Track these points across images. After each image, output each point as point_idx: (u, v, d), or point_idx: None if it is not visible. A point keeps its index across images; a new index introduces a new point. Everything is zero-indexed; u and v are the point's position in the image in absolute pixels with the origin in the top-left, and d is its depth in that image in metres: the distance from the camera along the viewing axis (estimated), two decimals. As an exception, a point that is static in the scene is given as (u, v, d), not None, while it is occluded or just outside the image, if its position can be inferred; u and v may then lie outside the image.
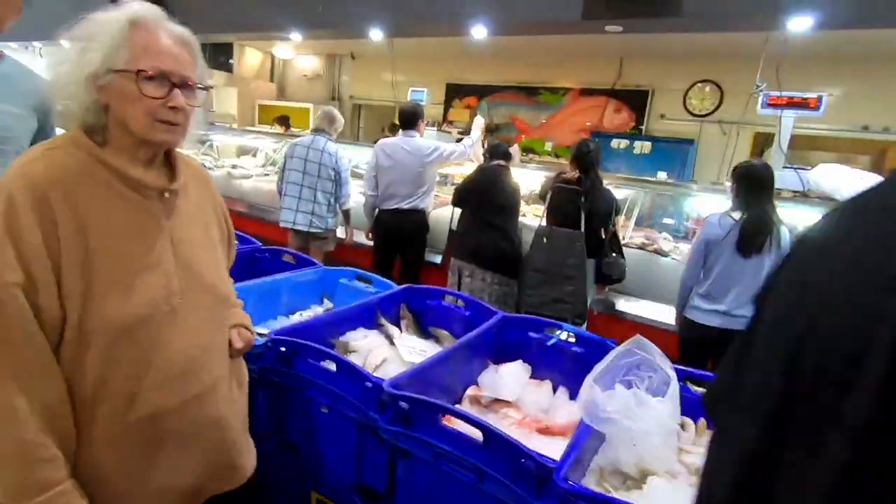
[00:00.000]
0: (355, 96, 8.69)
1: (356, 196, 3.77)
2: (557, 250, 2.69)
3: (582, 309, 2.67)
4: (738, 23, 2.61)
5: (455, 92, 7.50)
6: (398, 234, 3.45)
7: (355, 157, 4.65)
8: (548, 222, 2.78)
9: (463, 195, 3.07)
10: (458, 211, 3.21)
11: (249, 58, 9.06)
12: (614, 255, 2.75)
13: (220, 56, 8.47)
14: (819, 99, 3.05)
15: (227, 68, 8.71)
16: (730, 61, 5.57)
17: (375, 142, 8.09)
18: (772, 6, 2.50)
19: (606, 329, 2.82)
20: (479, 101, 7.30)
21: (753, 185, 2.27)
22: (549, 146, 6.79)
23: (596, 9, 2.86)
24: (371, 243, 3.68)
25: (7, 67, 1.39)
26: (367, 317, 1.86)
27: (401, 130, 3.46)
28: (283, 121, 7.18)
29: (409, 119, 3.42)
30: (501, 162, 3.02)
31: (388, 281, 2.12)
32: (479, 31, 3.38)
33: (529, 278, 2.71)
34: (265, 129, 6.88)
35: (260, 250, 2.43)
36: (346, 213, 3.75)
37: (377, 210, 3.52)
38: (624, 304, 2.93)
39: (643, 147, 5.57)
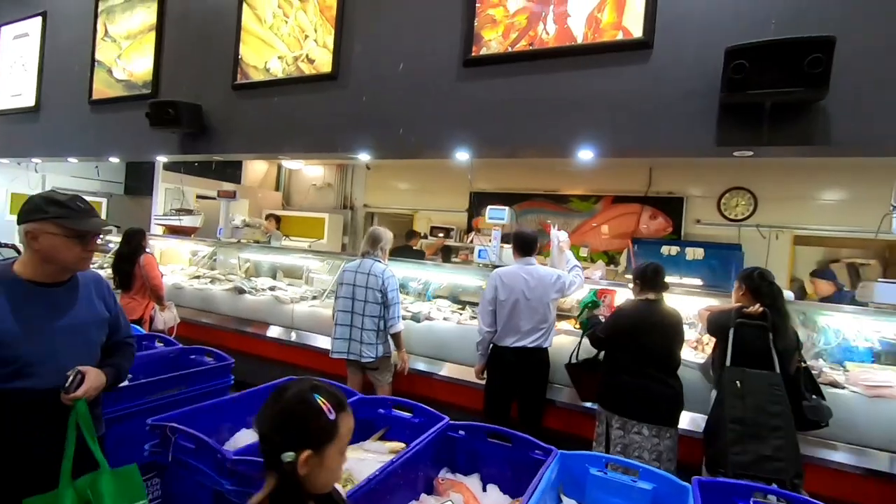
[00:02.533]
0: (370, 205, 8.55)
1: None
2: (755, 396, 2.37)
3: (799, 466, 2.30)
4: (892, 148, 2.60)
5: (481, 200, 7.48)
6: (520, 374, 3.05)
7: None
8: (733, 363, 2.48)
9: (615, 335, 2.75)
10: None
11: (255, 167, 8.88)
12: (814, 396, 2.45)
13: (227, 167, 8.23)
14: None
15: (236, 179, 8.46)
16: (761, 169, 5.87)
17: (399, 250, 7.64)
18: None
19: (821, 484, 2.44)
20: (508, 209, 7.27)
21: None
22: (584, 252, 6.73)
23: (733, 137, 2.84)
24: (476, 381, 3.27)
25: None
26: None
27: (518, 257, 3.19)
28: (273, 217, 6.83)
29: (530, 245, 3.18)
30: (652, 296, 2.75)
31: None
32: (586, 154, 3.28)
33: (731, 432, 2.34)
34: (296, 244, 6.51)
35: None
36: (397, 338, 3.39)
37: (491, 346, 3.14)
38: (827, 453, 2.59)
39: (695, 253, 5.57)
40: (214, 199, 7.65)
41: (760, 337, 2.46)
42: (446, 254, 7.49)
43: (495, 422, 2.35)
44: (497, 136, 3.56)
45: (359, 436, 1.95)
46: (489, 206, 4.34)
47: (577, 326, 3.45)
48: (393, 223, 9.17)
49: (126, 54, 5.57)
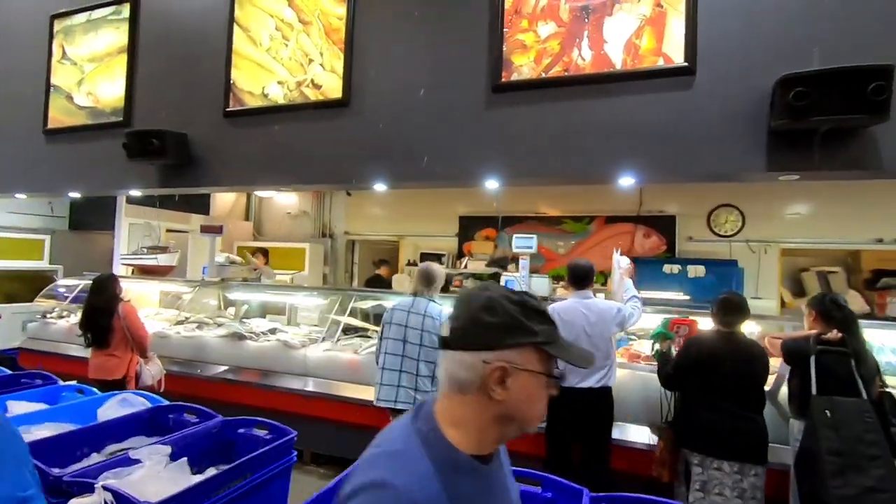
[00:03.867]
0: (351, 232, 8.20)
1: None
2: (849, 426, 2.31)
3: (903, 497, 2.25)
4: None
5: (470, 224, 7.35)
6: (584, 416, 2.88)
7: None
8: (818, 391, 2.42)
9: (690, 369, 2.64)
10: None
11: (223, 196, 8.32)
12: (898, 421, 2.43)
13: (193, 198, 7.63)
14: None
15: (203, 209, 7.88)
16: (747, 187, 6.10)
17: (370, 280, 7.32)
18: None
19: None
20: (498, 232, 7.18)
21: None
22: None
23: (782, 161, 2.85)
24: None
25: None
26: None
27: (573, 290, 3.04)
28: (261, 253, 6.39)
29: (585, 277, 3.05)
30: (727, 328, 2.67)
31: None
32: (626, 181, 3.21)
33: (828, 464, 2.27)
34: (283, 279, 6.05)
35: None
36: None
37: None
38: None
39: (696, 271, 5.66)
40: (184, 232, 7.08)
41: (843, 363, 2.42)
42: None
43: (559, 469, 2.13)
44: (531, 163, 3.44)
45: None
46: (515, 235, 4.21)
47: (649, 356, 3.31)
48: (376, 251, 8.85)
49: (90, 78, 5.03)
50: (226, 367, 4.21)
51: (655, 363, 3.04)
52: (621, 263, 3.35)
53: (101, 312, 3.63)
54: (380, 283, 7.34)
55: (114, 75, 4.86)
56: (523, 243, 4.12)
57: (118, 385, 3.50)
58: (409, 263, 7.44)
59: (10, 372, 3.01)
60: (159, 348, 4.47)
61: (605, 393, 2.88)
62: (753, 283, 5.97)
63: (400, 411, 3.11)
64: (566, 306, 2.95)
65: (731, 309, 2.66)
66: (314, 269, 7.74)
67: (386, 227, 7.96)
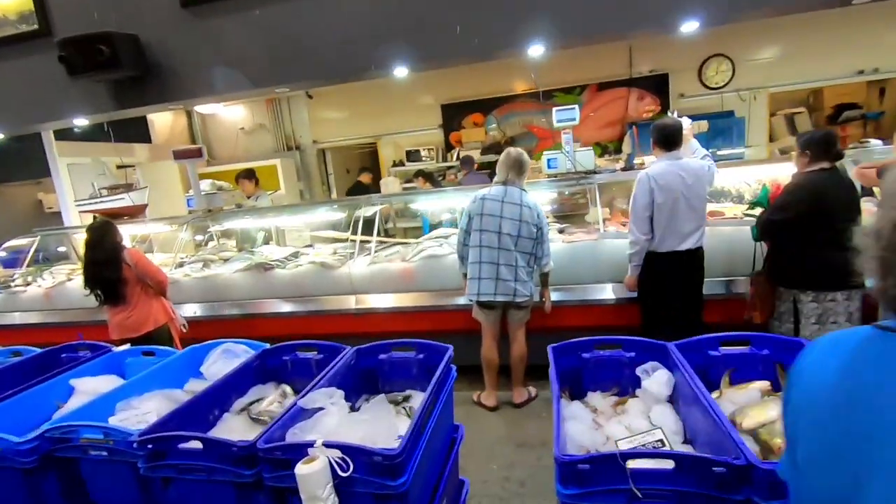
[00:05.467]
0: (320, 141, 7.43)
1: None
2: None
3: None
4: None
5: (454, 112, 6.83)
6: (682, 278, 2.86)
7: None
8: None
9: (796, 210, 2.59)
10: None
11: (159, 119, 7.17)
12: None
13: (129, 126, 6.47)
14: None
15: (144, 138, 6.78)
16: (738, 33, 5.94)
17: (352, 188, 7.03)
18: None
19: None
20: (486, 116, 6.75)
21: None
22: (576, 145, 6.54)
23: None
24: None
25: None
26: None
27: (663, 153, 2.84)
28: (250, 175, 5.65)
29: (676, 136, 2.84)
30: (827, 164, 2.61)
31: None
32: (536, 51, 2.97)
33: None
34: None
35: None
36: (546, 277, 3.08)
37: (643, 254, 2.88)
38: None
39: (700, 126, 5.60)
40: (129, 167, 6.12)
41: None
42: (429, 179, 6.85)
43: (656, 332, 2.06)
44: (582, 16, 3.04)
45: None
46: (555, 108, 3.86)
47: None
48: (350, 157, 8.19)
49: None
50: (259, 300, 3.83)
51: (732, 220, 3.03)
52: (685, 124, 3.17)
53: (106, 265, 3.07)
54: (363, 191, 6.87)
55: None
56: (565, 116, 3.83)
57: (151, 340, 3.10)
58: (395, 164, 6.94)
59: (36, 349, 2.51)
60: (172, 295, 3.98)
61: (700, 253, 2.86)
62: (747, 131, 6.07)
63: (491, 305, 2.99)
64: (660, 171, 2.78)
65: (832, 143, 2.60)
66: (290, 188, 7.06)
67: (359, 130, 7.26)
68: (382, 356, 2.02)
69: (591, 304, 3.32)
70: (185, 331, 3.33)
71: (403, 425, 1.59)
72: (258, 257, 3.98)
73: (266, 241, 4.77)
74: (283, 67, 3.47)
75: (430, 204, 5.06)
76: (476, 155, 6.40)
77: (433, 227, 5.64)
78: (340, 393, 1.66)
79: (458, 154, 6.51)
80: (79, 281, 4.32)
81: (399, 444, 1.32)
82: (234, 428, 1.81)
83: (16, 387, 2.33)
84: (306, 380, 2.11)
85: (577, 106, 3.84)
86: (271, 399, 1.98)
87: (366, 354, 2.03)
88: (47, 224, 6.82)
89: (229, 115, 7.59)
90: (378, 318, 3.58)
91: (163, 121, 7.23)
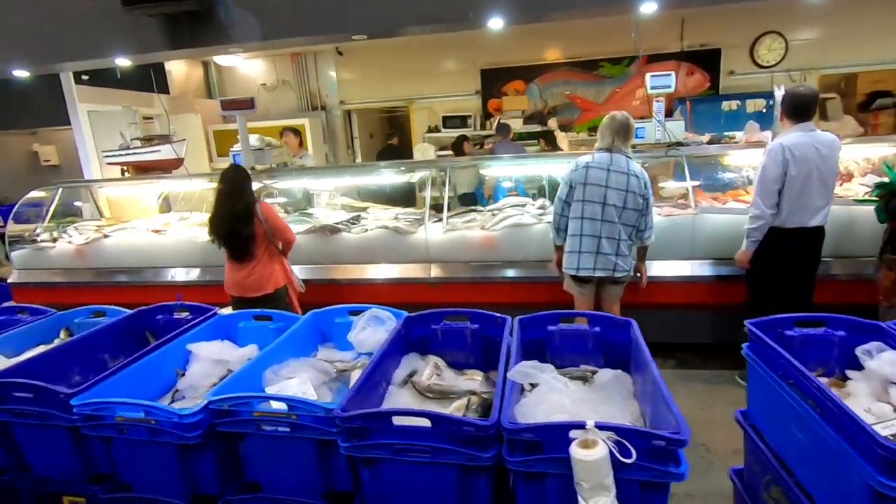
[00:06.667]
0: (347, 101, 7.04)
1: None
2: None
3: None
4: None
5: (494, 79, 6.53)
6: (802, 254, 2.75)
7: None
8: None
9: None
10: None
11: (175, 70, 6.67)
12: None
13: (145, 73, 5.96)
14: None
15: (161, 87, 6.28)
16: (792, 9, 5.79)
17: (384, 152, 6.84)
18: None
19: None
20: (527, 84, 6.47)
21: None
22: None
23: None
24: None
25: None
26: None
27: (793, 123, 2.68)
28: (297, 132, 5.35)
29: (810, 106, 2.69)
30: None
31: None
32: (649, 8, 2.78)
33: None
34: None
35: None
36: (645, 251, 2.94)
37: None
38: None
39: (756, 105, 5.51)
40: (148, 120, 5.66)
41: None
42: (459, 147, 6.60)
43: (768, 313, 1.90)
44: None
45: None
46: (649, 74, 3.65)
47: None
48: (374, 121, 7.83)
49: None
50: (328, 265, 3.59)
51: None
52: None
53: (243, 219, 2.79)
54: (396, 155, 6.63)
55: None
56: (660, 82, 3.61)
57: (268, 301, 2.86)
58: (429, 130, 6.64)
59: (124, 311, 2.22)
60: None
61: (823, 231, 2.75)
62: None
63: (587, 280, 2.82)
64: (797, 141, 2.62)
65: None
66: (314, 150, 6.69)
67: (391, 92, 6.88)
68: (552, 328, 1.83)
69: (686, 281, 3.20)
70: (302, 291, 3.10)
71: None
72: (317, 220, 3.71)
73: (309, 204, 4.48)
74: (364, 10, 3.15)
75: (499, 171, 4.77)
76: (518, 124, 6.15)
77: (462, 197, 5.43)
78: (550, 367, 1.48)
79: (499, 122, 6.25)
80: (117, 238, 4.00)
81: (672, 426, 1.16)
82: (406, 402, 1.62)
83: (111, 349, 2.08)
84: (456, 351, 1.94)
85: (672, 73, 3.63)
86: (429, 373, 1.79)
87: (530, 326, 1.84)
88: (46, 178, 6.33)
89: (250, 69, 7.11)
90: (458, 287, 3.40)
91: (177, 71, 6.72)
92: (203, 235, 3.78)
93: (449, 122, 6.45)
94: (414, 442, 1.27)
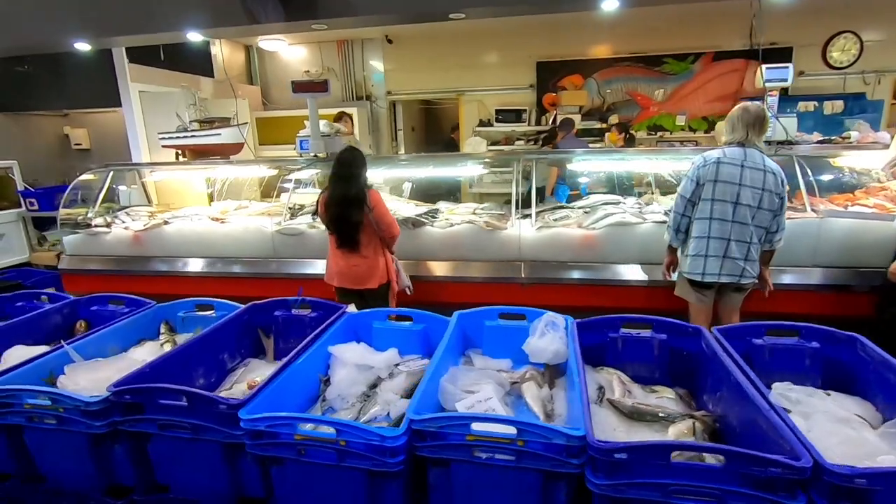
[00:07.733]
0: (395, 92, 6.79)
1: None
2: None
3: None
4: None
5: (550, 72, 6.28)
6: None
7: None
8: None
9: None
10: None
11: (217, 56, 6.42)
12: None
13: (187, 54, 5.70)
14: None
15: (205, 70, 6.06)
16: (866, 7, 5.54)
17: (447, 145, 6.61)
18: None
19: None
20: (585, 79, 6.22)
21: None
22: (681, 120, 6.12)
23: None
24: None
25: None
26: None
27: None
28: (350, 119, 5.23)
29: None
30: None
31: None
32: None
33: None
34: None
35: None
36: (772, 255, 2.69)
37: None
38: None
39: (834, 106, 5.26)
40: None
41: None
42: (551, 137, 6.29)
43: None
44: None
45: None
46: (765, 66, 3.38)
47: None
48: (416, 113, 7.60)
49: None
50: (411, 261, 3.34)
51: None
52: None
53: (353, 204, 2.60)
54: (456, 149, 6.48)
55: None
56: (776, 75, 3.37)
57: (370, 296, 2.69)
58: (480, 124, 6.39)
59: (234, 305, 1.97)
60: (298, 249, 3.48)
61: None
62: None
63: (709, 286, 2.58)
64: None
65: None
66: (362, 139, 6.45)
67: (440, 83, 6.62)
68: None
69: (807, 289, 2.96)
70: (409, 293, 2.88)
71: None
72: (405, 212, 3.47)
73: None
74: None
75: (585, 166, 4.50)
76: (577, 119, 5.90)
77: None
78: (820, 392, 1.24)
79: (555, 117, 6.01)
80: (178, 225, 3.76)
81: None
82: (613, 424, 1.39)
83: (230, 349, 1.84)
84: (637, 363, 1.70)
85: (789, 66, 3.37)
86: (620, 391, 1.55)
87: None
88: (76, 162, 6.10)
89: (293, 55, 6.86)
90: (553, 289, 3.16)
91: (218, 55, 6.47)
92: (271, 226, 3.56)
93: (503, 115, 6.20)
94: (701, 484, 1.02)
